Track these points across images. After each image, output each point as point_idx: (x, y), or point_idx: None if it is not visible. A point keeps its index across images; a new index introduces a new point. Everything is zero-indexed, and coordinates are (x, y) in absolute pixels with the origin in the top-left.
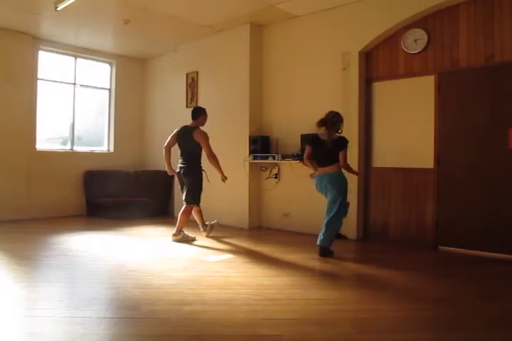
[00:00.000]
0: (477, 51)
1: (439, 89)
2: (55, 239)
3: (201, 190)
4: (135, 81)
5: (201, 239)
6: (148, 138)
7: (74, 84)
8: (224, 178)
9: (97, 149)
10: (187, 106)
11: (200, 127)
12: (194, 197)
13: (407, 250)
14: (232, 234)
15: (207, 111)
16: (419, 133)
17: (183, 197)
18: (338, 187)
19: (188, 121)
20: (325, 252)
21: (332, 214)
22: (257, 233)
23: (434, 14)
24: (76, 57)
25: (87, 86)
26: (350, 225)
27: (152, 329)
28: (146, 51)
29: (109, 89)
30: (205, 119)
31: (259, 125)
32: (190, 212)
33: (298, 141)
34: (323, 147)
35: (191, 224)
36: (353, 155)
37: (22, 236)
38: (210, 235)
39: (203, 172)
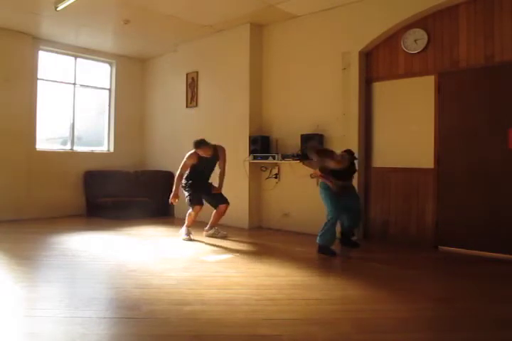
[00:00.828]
0: (477, 51)
1: (439, 89)
2: (55, 239)
3: (192, 195)
4: (135, 81)
5: (201, 239)
6: (148, 138)
7: (74, 84)
8: (172, 199)
9: (97, 149)
10: (187, 106)
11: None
12: (190, 201)
13: (407, 250)
14: (232, 234)
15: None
16: (419, 133)
17: None
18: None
19: (187, 121)
20: (319, 249)
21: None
22: (257, 233)
23: (434, 14)
24: (76, 57)
25: (87, 86)
26: None
27: (152, 329)
28: (146, 51)
29: (109, 89)
30: (201, 150)
31: (259, 125)
32: (221, 213)
33: (298, 141)
34: None
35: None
36: None
37: (22, 236)
38: (208, 236)
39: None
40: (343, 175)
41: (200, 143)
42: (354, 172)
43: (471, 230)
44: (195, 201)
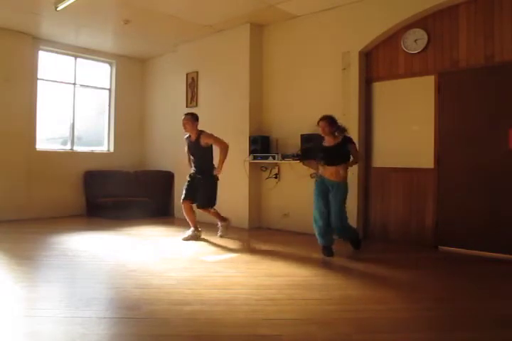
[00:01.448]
0: (477, 51)
1: (439, 89)
2: (55, 239)
3: (185, 187)
4: (135, 81)
5: (201, 239)
6: (148, 138)
7: (74, 84)
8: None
9: (97, 149)
10: (187, 106)
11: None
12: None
13: (407, 250)
14: (232, 234)
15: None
16: (419, 133)
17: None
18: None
19: None
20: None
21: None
22: (257, 233)
23: (434, 14)
24: (76, 57)
25: (87, 86)
26: None
27: (152, 329)
28: (146, 51)
29: (109, 89)
30: (184, 121)
31: (259, 125)
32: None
33: (298, 141)
34: None
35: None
36: None
37: (22, 236)
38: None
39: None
40: (330, 154)
41: (186, 113)
42: (345, 154)
43: (471, 230)
44: (183, 195)
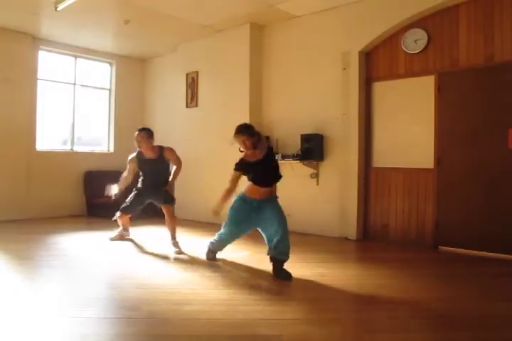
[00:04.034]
0: (477, 51)
1: (439, 89)
2: (55, 239)
3: (130, 201)
4: (135, 81)
5: (201, 239)
6: None
7: (74, 84)
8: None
9: (97, 149)
10: (187, 106)
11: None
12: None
13: (407, 250)
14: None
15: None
16: (419, 133)
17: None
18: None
19: (187, 121)
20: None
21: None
22: (258, 233)
23: (434, 14)
24: (76, 57)
25: (87, 86)
26: (350, 225)
27: (152, 329)
28: (146, 51)
29: (109, 89)
30: (138, 137)
31: (259, 125)
32: (167, 216)
33: (298, 141)
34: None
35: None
36: (353, 155)
37: (22, 236)
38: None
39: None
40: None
41: (140, 129)
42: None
43: (471, 230)
44: (125, 207)
